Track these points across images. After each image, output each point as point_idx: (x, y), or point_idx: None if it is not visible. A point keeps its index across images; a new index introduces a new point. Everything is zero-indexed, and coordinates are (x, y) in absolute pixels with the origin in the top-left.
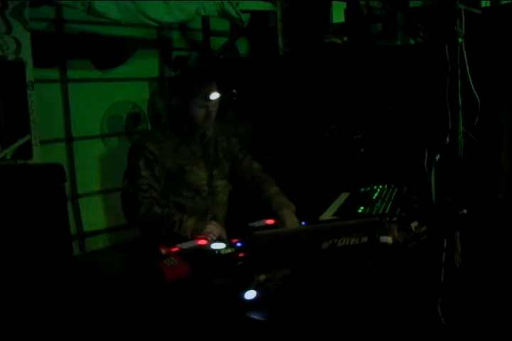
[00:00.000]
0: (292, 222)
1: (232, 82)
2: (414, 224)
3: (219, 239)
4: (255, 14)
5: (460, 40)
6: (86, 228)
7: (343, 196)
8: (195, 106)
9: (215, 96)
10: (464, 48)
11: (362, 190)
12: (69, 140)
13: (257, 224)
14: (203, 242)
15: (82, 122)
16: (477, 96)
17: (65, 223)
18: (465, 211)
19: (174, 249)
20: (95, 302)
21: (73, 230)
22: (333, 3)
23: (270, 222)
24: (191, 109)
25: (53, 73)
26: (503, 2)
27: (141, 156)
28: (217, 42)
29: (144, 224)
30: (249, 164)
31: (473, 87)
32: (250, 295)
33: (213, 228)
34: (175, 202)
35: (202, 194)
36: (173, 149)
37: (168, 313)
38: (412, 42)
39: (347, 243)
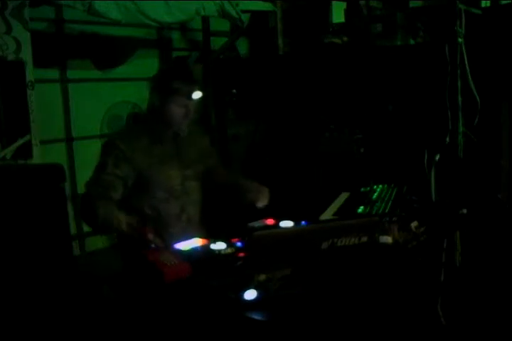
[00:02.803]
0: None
1: (232, 82)
2: (414, 224)
3: (218, 239)
4: (255, 14)
5: (460, 40)
6: (86, 228)
7: (343, 196)
8: (175, 104)
9: (197, 95)
10: (463, 48)
11: (362, 190)
12: (69, 140)
13: (257, 224)
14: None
15: (82, 122)
16: (477, 96)
17: (65, 223)
18: (465, 211)
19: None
20: (95, 303)
21: (73, 230)
22: (333, 3)
23: (270, 222)
24: (170, 107)
25: (53, 73)
26: (503, 2)
27: (110, 154)
28: (217, 42)
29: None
30: (217, 166)
31: (473, 87)
32: (250, 295)
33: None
34: (150, 204)
35: (175, 194)
36: (145, 148)
37: (168, 313)
38: (412, 42)
39: (347, 243)
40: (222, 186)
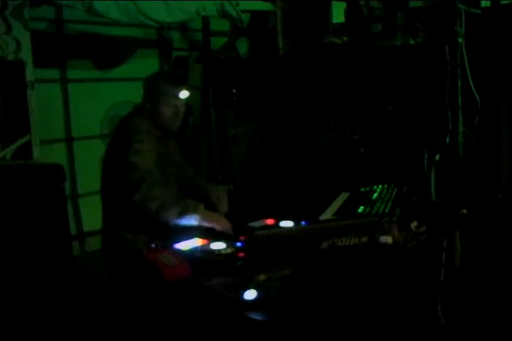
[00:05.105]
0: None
1: (232, 82)
2: (414, 224)
3: (219, 238)
4: (255, 14)
5: (460, 40)
6: (86, 228)
7: (343, 196)
8: (165, 104)
9: (185, 94)
10: (464, 48)
11: (362, 190)
12: (69, 140)
13: (257, 224)
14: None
15: (82, 122)
16: (477, 96)
17: (65, 223)
18: (465, 211)
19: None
20: (95, 303)
21: (73, 230)
22: (333, 3)
23: (270, 221)
24: (160, 108)
25: (53, 73)
26: (503, 2)
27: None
28: (217, 42)
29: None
30: (190, 167)
31: (473, 87)
32: (250, 295)
33: (222, 220)
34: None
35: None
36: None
37: (168, 313)
38: (412, 42)
39: (347, 243)
40: (185, 184)
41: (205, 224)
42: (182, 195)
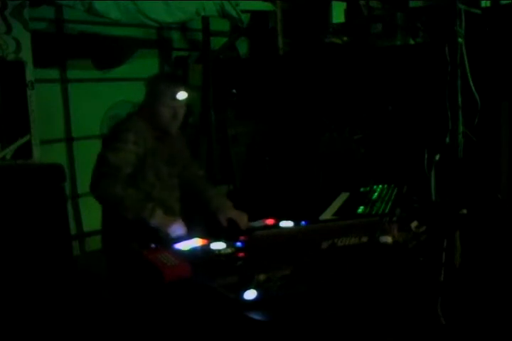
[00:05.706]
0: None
1: (232, 82)
2: (414, 224)
3: (219, 239)
4: (255, 14)
5: (460, 40)
6: (86, 228)
7: (343, 196)
8: (162, 105)
9: (182, 95)
10: (464, 48)
11: (362, 190)
12: (69, 140)
13: (257, 224)
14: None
15: (82, 122)
16: (477, 96)
17: (65, 223)
18: (465, 211)
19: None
20: (94, 302)
21: (73, 230)
22: (333, 3)
23: (270, 221)
24: (158, 108)
25: (53, 73)
26: (503, 2)
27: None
28: (217, 42)
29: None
30: (196, 169)
31: (473, 87)
32: (250, 295)
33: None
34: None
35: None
36: (145, 138)
37: (168, 313)
38: (412, 42)
39: (347, 243)
40: (189, 185)
41: (162, 229)
42: (145, 198)
